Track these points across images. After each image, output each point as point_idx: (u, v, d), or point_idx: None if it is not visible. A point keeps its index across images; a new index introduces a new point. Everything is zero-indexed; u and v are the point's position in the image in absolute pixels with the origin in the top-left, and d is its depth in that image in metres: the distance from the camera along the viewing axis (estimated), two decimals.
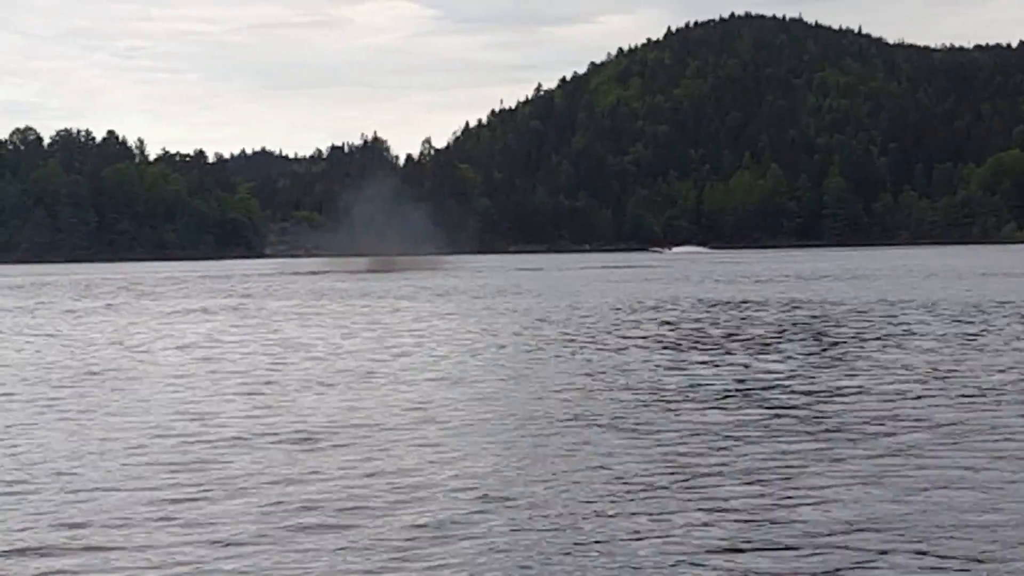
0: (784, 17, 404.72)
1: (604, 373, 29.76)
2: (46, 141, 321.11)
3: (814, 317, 48.88)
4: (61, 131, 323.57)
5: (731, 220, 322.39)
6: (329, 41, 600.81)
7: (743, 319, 48.82)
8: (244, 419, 23.18)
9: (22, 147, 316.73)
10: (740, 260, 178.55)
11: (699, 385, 26.87)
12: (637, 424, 21.57)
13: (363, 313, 59.10)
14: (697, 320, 48.92)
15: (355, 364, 33.47)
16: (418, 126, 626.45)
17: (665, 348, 36.54)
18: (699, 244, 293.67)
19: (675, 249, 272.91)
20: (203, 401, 26.07)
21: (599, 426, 21.44)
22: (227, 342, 42.69)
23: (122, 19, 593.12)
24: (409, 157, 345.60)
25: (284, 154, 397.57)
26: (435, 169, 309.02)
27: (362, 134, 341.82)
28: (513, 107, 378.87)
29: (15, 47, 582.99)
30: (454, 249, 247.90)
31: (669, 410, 23.20)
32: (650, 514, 14.76)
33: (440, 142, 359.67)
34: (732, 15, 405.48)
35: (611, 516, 14.73)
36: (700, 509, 14.95)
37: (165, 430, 22.04)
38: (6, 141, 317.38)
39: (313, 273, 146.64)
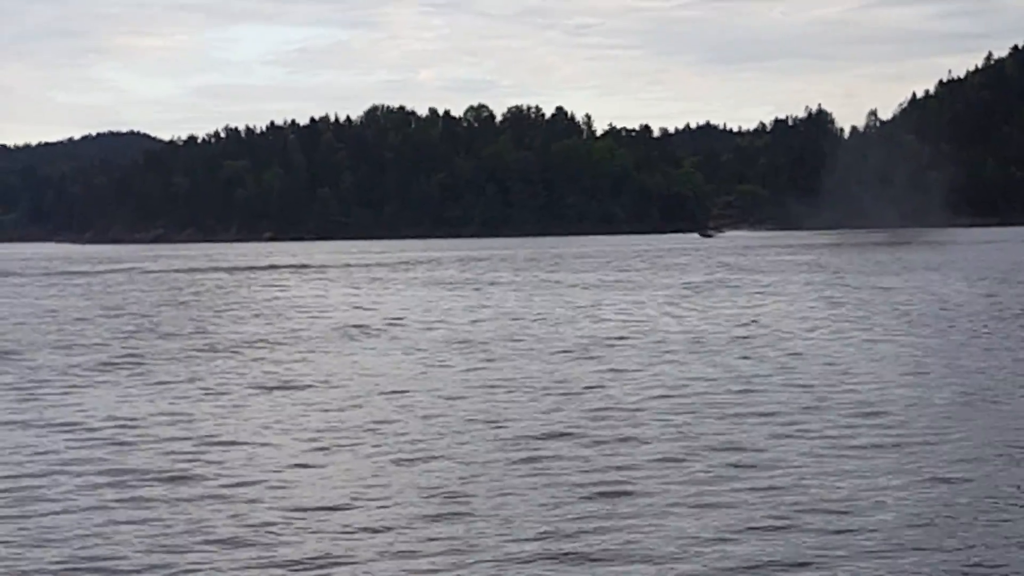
0: None
1: None
2: (498, 118, 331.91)
3: None
4: (512, 108, 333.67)
5: None
6: (775, 15, 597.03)
7: None
8: None
9: (476, 124, 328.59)
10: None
11: None
12: None
13: None
14: None
15: None
16: (863, 98, 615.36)
17: None
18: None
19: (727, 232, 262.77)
20: None
21: None
22: None
23: None
24: (854, 129, 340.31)
25: (728, 128, 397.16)
26: (881, 141, 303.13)
27: (807, 107, 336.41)
28: (962, 76, 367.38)
29: (473, 27, 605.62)
30: (902, 223, 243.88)
31: None
32: None
33: (886, 114, 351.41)
34: None
35: None
36: None
37: None
38: (461, 118, 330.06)
39: (834, 245, 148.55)
